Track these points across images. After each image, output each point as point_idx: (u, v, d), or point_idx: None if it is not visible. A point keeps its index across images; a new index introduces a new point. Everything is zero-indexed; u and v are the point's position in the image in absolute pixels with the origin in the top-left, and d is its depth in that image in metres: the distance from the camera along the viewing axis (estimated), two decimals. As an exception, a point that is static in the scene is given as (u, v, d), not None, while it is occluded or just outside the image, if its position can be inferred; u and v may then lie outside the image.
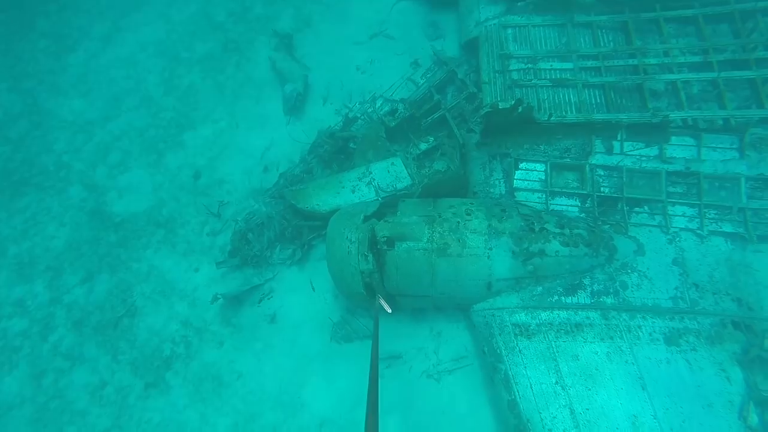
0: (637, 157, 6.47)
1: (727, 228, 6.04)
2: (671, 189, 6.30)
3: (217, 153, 8.69)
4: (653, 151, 6.46)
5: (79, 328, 7.51)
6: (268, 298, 7.32)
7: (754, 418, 5.07)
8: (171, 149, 8.86)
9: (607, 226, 6.23)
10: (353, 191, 6.90)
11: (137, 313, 7.52)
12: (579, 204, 6.45)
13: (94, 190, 8.66)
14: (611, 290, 5.89)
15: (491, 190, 6.76)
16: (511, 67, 7.32)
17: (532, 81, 7.18)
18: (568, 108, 6.93)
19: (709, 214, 6.13)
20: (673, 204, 6.23)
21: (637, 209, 6.31)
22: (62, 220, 8.44)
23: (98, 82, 9.76)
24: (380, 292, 5.97)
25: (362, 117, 8.26)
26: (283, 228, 7.47)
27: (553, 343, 5.67)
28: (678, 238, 6.09)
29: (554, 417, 5.31)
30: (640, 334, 5.61)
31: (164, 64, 9.76)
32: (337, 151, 7.78)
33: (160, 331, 7.34)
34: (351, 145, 7.76)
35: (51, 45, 10.34)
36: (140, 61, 9.87)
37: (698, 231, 6.07)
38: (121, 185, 8.64)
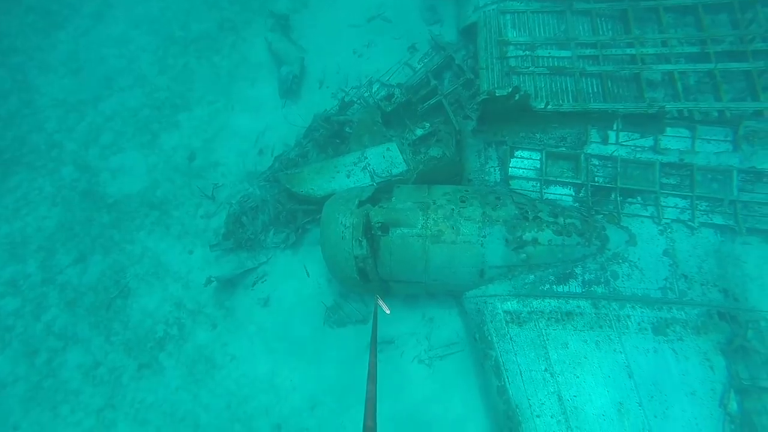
0: (632, 147, 6.49)
1: (718, 220, 6.11)
2: (664, 180, 6.34)
3: (212, 135, 8.61)
4: (648, 141, 6.48)
5: (72, 308, 7.52)
6: (262, 282, 7.35)
7: (733, 406, 5.23)
8: (165, 130, 8.76)
9: (600, 216, 6.27)
10: (348, 176, 6.89)
11: (131, 294, 7.53)
12: (573, 193, 6.48)
13: (86, 170, 8.57)
14: (602, 280, 5.97)
15: (486, 177, 6.77)
16: (509, 54, 7.27)
17: (530, 68, 7.13)
18: (565, 96, 6.91)
19: (701, 206, 6.19)
20: (666, 195, 6.28)
21: (630, 200, 6.36)
22: (54, 200, 8.37)
23: (89, 60, 9.57)
24: (374, 277, 6.02)
25: (358, 101, 8.21)
26: (277, 212, 7.47)
27: (543, 330, 5.76)
28: (669, 230, 6.16)
29: (542, 403, 5.43)
30: (629, 323, 5.71)
31: (158, 42, 9.58)
32: (333, 136, 7.75)
33: (153, 313, 7.36)
34: (347, 129, 7.72)
35: (39, 20, 10.09)
36: (133, 40, 9.68)
37: (689, 222, 6.14)
38: (114, 166, 8.56)
